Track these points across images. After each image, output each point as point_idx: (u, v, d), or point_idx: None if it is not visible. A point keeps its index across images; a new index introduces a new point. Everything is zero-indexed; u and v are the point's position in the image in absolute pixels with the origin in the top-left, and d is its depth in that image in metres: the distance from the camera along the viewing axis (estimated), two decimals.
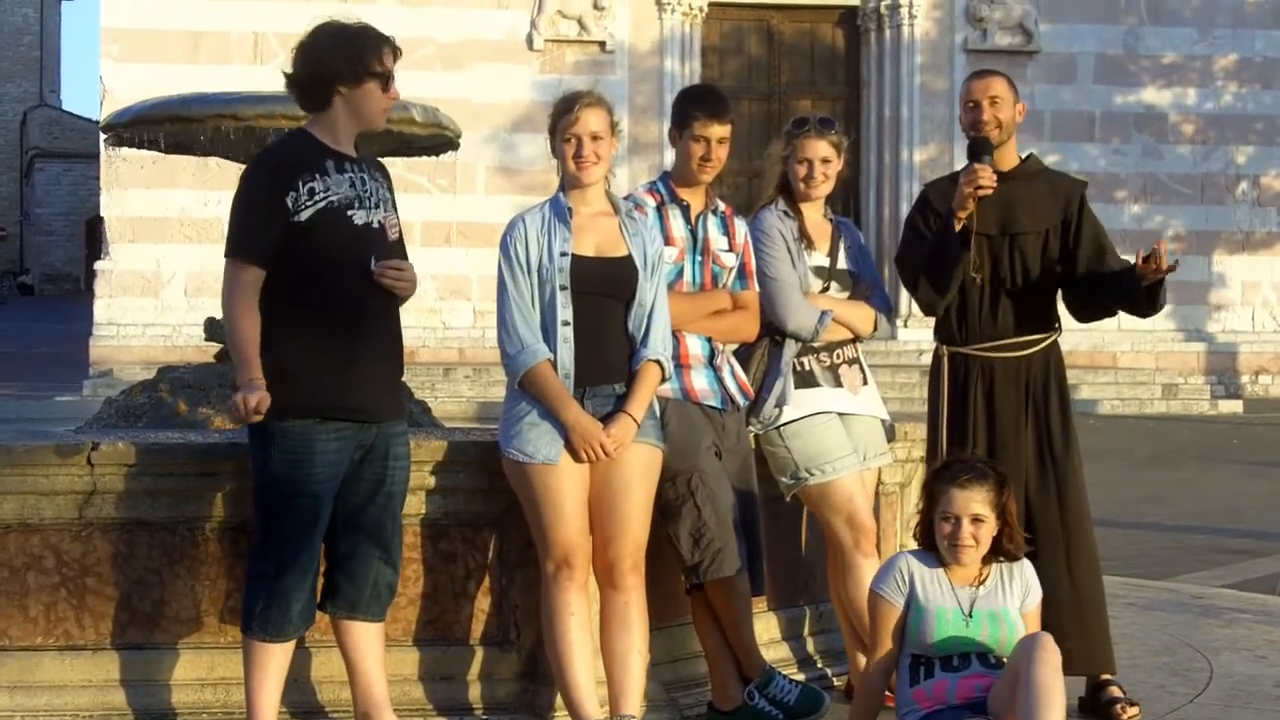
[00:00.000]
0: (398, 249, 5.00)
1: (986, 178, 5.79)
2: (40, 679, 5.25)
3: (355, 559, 5.00)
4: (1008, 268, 5.98)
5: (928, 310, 6.09)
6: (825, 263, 5.92)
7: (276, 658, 4.93)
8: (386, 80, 4.94)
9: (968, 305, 5.99)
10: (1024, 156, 6.18)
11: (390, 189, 5.08)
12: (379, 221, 4.94)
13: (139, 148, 8.76)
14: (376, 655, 5.06)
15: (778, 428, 5.77)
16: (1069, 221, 6.04)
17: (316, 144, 4.95)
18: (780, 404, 5.73)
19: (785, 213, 5.88)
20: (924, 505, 5.13)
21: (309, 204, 4.82)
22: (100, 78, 25.11)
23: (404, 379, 5.32)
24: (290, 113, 7.21)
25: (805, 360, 5.83)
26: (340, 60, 4.90)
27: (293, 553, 4.84)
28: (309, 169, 4.86)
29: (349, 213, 4.87)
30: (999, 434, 5.92)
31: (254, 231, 4.85)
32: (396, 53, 4.99)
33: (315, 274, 4.83)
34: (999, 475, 5.11)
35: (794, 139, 5.87)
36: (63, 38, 71.64)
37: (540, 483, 5.06)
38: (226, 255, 4.89)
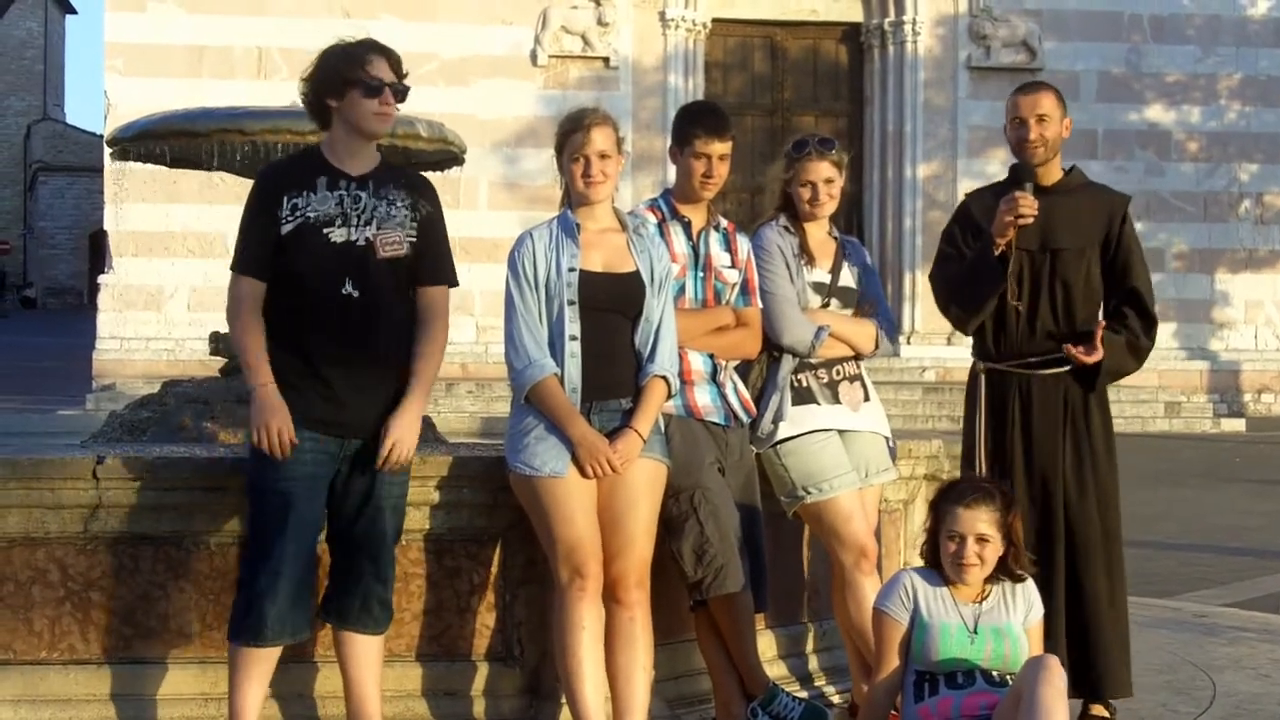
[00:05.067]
0: (392, 266, 4.96)
1: (1028, 207, 5.69)
2: (45, 693, 5.25)
3: (347, 571, 5.02)
4: (1047, 284, 5.87)
5: (959, 329, 6.05)
6: (826, 279, 5.88)
7: (258, 664, 4.91)
8: (373, 88, 4.93)
9: (1005, 322, 5.89)
10: (1067, 169, 6.04)
11: (413, 205, 5.02)
12: (366, 239, 4.94)
13: (144, 162, 8.77)
14: (371, 668, 5.05)
15: (775, 445, 5.75)
16: (1111, 238, 5.91)
17: (317, 161, 5.01)
18: (777, 420, 5.71)
19: (786, 228, 5.85)
20: (930, 523, 5.14)
21: (290, 219, 4.91)
22: (104, 92, 25.16)
23: None
24: (296, 128, 7.21)
25: (803, 377, 5.80)
26: (327, 75, 4.97)
27: (269, 558, 4.84)
28: (297, 185, 4.94)
29: (325, 230, 4.91)
30: (1036, 453, 5.85)
31: (246, 245, 4.96)
32: (391, 60, 5.00)
33: (288, 289, 4.91)
34: (1005, 496, 5.10)
35: (795, 162, 5.83)
36: (67, 52, 71.77)
37: (548, 495, 5.06)
38: (230, 268, 5.02)
